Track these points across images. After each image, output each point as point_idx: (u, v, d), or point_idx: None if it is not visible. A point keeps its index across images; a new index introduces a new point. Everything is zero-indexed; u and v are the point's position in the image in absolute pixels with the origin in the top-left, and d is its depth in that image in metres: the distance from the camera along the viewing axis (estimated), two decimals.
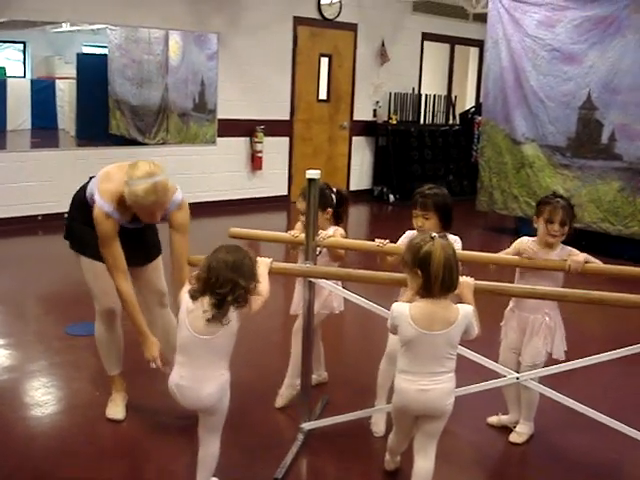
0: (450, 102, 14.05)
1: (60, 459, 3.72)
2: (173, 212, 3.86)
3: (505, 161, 9.73)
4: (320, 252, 3.98)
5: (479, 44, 13.57)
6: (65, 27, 10.94)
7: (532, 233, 3.99)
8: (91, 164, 9.11)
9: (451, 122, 13.94)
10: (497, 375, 3.63)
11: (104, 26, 10.91)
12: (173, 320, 4.04)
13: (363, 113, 12.54)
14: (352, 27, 12.03)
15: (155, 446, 3.88)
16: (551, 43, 9.05)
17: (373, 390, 4.14)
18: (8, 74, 13.49)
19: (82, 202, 3.93)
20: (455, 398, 3.17)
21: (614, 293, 3.37)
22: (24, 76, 13.81)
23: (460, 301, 3.13)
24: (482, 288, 3.29)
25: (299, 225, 4.10)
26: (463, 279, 3.19)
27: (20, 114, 12.86)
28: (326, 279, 3.69)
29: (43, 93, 13.23)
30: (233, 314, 3.09)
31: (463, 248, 3.85)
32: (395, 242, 3.98)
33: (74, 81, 12.01)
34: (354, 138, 12.54)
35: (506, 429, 4.16)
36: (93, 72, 12.06)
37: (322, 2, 11.48)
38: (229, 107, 10.73)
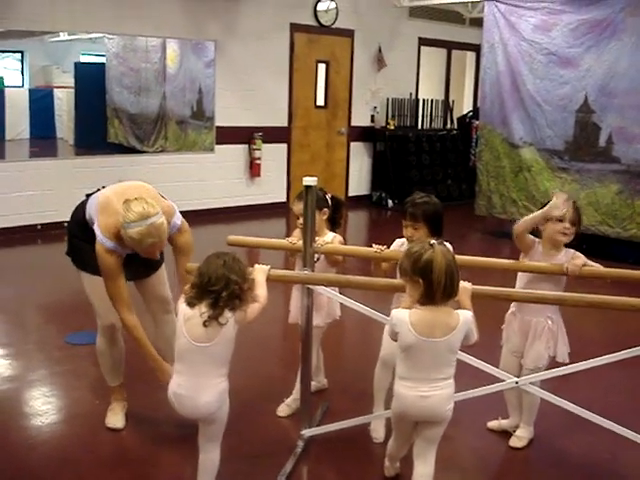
0: (447, 107, 14.06)
1: (60, 468, 3.71)
2: (174, 236, 3.87)
3: (503, 165, 9.75)
4: (318, 259, 3.99)
5: (476, 48, 13.61)
6: (63, 36, 10.98)
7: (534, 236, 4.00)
8: (90, 173, 9.15)
9: (449, 127, 13.95)
10: (497, 379, 3.64)
11: (101, 35, 10.93)
12: None
13: (361, 119, 12.55)
14: (349, 33, 12.05)
15: (155, 455, 3.88)
16: (547, 47, 9.08)
17: (372, 396, 4.14)
18: (6, 84, 13.51)
19: (81, 222, 3.92)
20: (455, 403, 3.17)
21: (613, 296, 3.37)
22: (22, 85, 13.84)
23: (458, 306, 3.13)
24: (480, 293, 3.30)
25: (297, 232, 4.11)
26: (461, 284, 3.19)
27: (18, 123, 12.89)
28: (325, 286, 3.69)
29: (41, 102, 13.26)
30: (229, 317, 3.09)
31: (462, 253, 3.85)
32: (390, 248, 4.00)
33: (72, 90, 12.05)
34: (352, 144, 12.55)
35: (506, 434, 4.16)
36: (91, 81, 12.09)
37: (318, 9, 11.50)
38: (227, 114, 10.73)
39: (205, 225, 9.66)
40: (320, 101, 12.06)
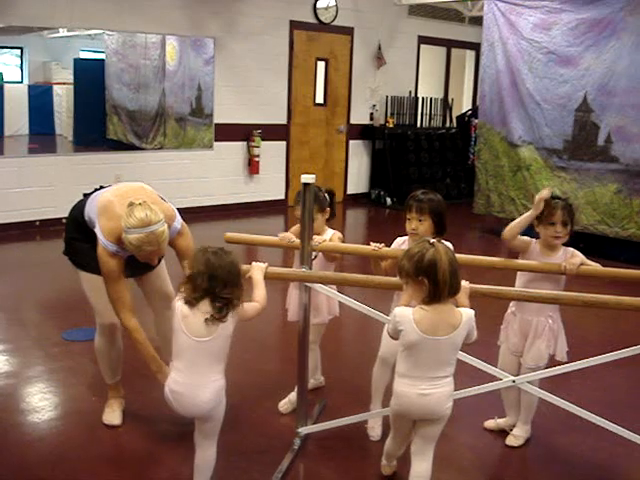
0: (447, 105, 14.07)
1: (56, 465, 3.71)
2: (174, 239, 3.86)
3: (502, 164, 9.75)
4: (316, 256, 3.98)
5: (475, 47, 13.62)
6: (62, 33, 10.93)
7: (529, 236, 4.00)
8: (88, 169, 9.16)
9: (448, 125, 13.96)
10: (494, 378, 3.64)
11: (101, 31, 10.91)
12: None
13: (360, 117, 12.56)
14: (348, 31, 12.05)
15: (152, 452, 3.87)
16: (547, 46, 9.07)
17: (370, 394, 4.14)
18: (5, 79, 13.48)
19: (79, 222, 3.91)
20: (455, 401, 3.17)
21: (609, 295, 3.37)
22: (21, 82, 13.79)
23: (456, 305, 3.13)
24: (477, 291, 3.30)
25: (294, 228, 4.10)
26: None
27: (17, 120, 12.84)
28: (322, 284, 3.69)
29: (40, 99, 13.21)
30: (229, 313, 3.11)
31: (460, 251, 3.85)
32: (390, 246, 4.00)
33: (71, 86, 12.01)
34: (351, 142, 12.55)
35: (503, 432, 4.16)
36: (90, 77, 12.05)
37: (318, 6, 11.50)
38: (226, 111, 10.73)
39: (204, 222, 9.66)
40: (319, 99, 12.06)
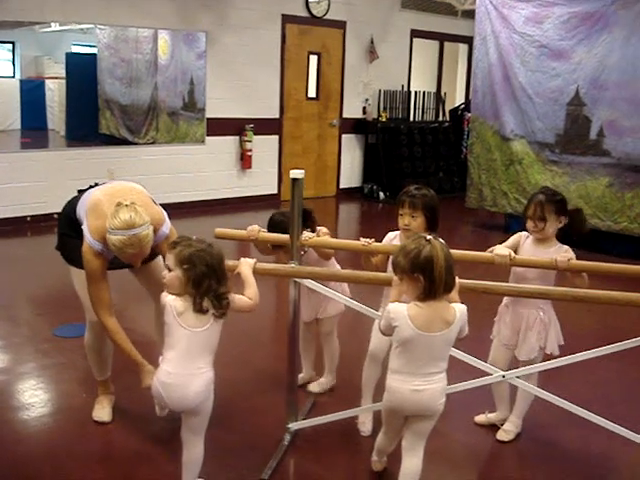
0: (440, 99, 14.07)
1: (46, 461, 3.71)
2: (162, 244, 3.82)
3: (494, 158, 9.75)
4: (305, 252, 3.98)
5: (468, 41, 13.61)
6: (54, 27, 10.90)
7: (522, 229, 4.01)
8: (81, 164, 9.14)
9: (441, 119, 13.96)
10: (485, 373, 3.64)
11: (93, 26, 10.88)
12: None
13: (352, 111, 12.55)
14: (341, 25, 12.03)
15: (141, 449, 3.86)
16: (539, 39, 9.07)
17: (360, 390, 4.13)
18: None
19: (71, 219, 3.90)
20: (445, 397, 3.17)
21: (599, 290, 3.37)
22: (13, 76, 13.75)
23: (448, 299, 3.12)
24: (467, 287, 3.29)
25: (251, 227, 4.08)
26: None
27: (9, 114, 12.81)
28: (312, 279, 3.68)
29: (33, 93, 13.17)
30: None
31: (453, 245, 3.84)
32: (381, 241, 3.99)
33: (64, 81, 11.98)
34: (344, 136, 12.55)
35: (494, 427, 4.16)
36: (82, 72, 12.02)
37: (310, 0, 11.46)
38: (218, 106, 10.72)
39: (196, 217, 9.66)
40: (312, 93, 12.05)
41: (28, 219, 9.00)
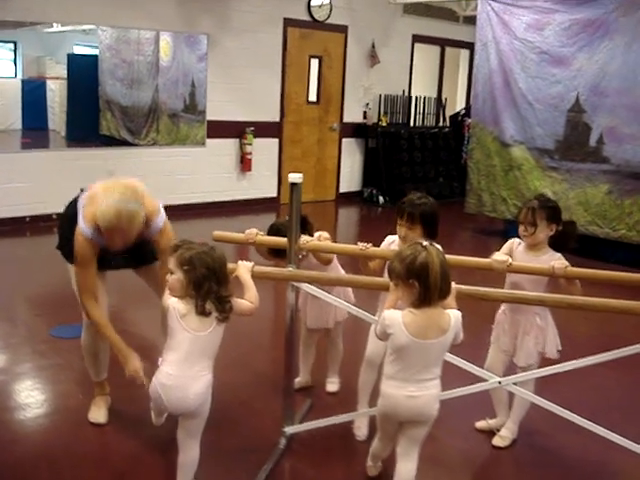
0: (440, 104, 14.06)
1: (41, 462, 3.71)
2: (156, 237, 3.85)
3: (494, 163, 9.76)
4: (303, 256, 3.98)
5: (469, 46, 13.57)
6: (56, 27, 10.92)
7: (514, 236, 4.02)
8: (81, 165, 9.14)
9: (441, 124, 13.95)
10: (483, 379, 3.64)
11: (94, 27, 10.89)
12: None
13: (353, 115, 12.54)
14: (342, 29, 12.03)
15: (136, 451, 3.86)
16: (540, 46, 9.08)
17: (356, 394, 4.14)
18: None
19: (73, 217, 3.90)
20: (440, 402, 3.17)
21: (596, 298, 3.37)
22: (15, 76, 13.76)
23: (444, 305, 3.12)
24: (463, 292, 3.29)
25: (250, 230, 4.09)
26: None
27: (11, 114, 12.82)
28: (309, 283, 3.68)
29: (34, 93, 13.19)
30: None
31: (451, 251, 3.85)
32: (379, 245, 3.99)
33: (65, 81, 11.99)
34: (344, 140, 12.54)
35: (492, 433, 4.16)
36: (84, 72, 12.04)
37: (312, 4, 11.48)
38: (218, 108, 10.72)
39: (195, 219, 9.66)
40: (312, 97, 12.04)
41: (27, 219, 8.99)
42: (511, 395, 4.04)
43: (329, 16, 11.72)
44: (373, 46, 12.40)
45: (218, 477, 3.60)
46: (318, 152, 12.25)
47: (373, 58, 12.45)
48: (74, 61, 12.38)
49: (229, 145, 10.98)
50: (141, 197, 3.71)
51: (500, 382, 3.64)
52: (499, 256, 3.76)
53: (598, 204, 8.64)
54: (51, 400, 4.47)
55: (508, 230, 9.34)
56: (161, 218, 3.88)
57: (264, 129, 11.18)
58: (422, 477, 3.25)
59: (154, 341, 4.40)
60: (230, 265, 3.37)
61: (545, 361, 3.92)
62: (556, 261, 3.70)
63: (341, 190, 12.62)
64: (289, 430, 3.88)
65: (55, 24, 10.53)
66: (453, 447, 4.11)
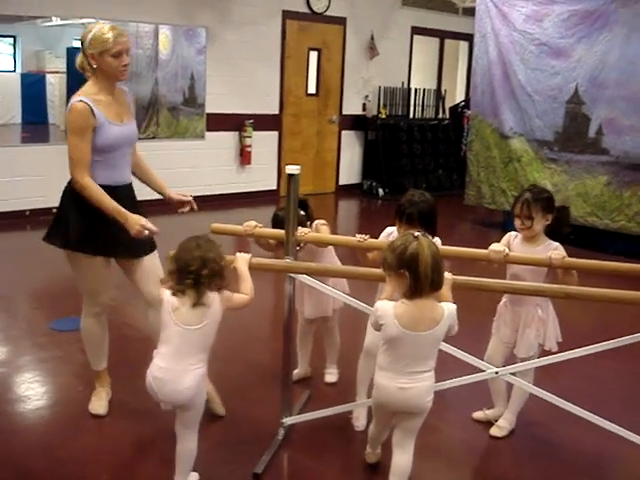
0: (440, 96, 14.06)
1: (42, 454, 3.72)
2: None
3: (493, 155, 9.76)
4: (301, 247, 3.99)
5: (469, 38, 13.53)
6: (55, 21, 10.89)
7: (511, 228, 4.03)
8: None
9: (441, 116, 13.96)
10: (480, 370, 3.65)
11: (93, 20, 10.88)
12: None
13: (352, 107, 12.55)
14: (341, 21, 12.03)
15: (136, 443, 3.87)
16: (539, 37, 9.08)
17: (355, 385, 4.15)
18: None
19: (70, 192, 3.88)
20: (440, 393, 3.18)
21: (593, 288, 3.38)
22: (14, 70, 13.75)
23: (439, 297, 3.13)
24: (459, 283, 3.30)
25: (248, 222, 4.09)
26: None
27: (10, 108, 12.81)
28: (307, 274, 3.69)
29: (33, 87, 13.18)
30: (215, 296, 3.13)
31: (451, 242, 3.86)
32: (378, 237, 4.00)
33: (64, 75, 11.97)
34: (343, 132, 12.55)
35: (490, 424, 4.16)
36: None
37: None
38: (218, 101, 10.73)
39: (195, 212, 9.63)
40: (312, 89, 12.05)
41: (27, 213, 9.01)
42: (509, 386, 4.05)
43: (328, 8, 11.72)
44: (372, 38, 12.40)
45: (217, 468, 3.60)
46: (317, 144, 12.26)
47: (372, 50, 12.44)
48: (73, 55, 12.22)
49: (229, 138, 10.99)
50: None
51: (497, 372, 3.65)
52: (496, 246, 3.77)
53: (597, 195, 8.64)
54: (51, 392, 4.49)
55: (507, 222, 9.30)
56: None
57: (263, 122, 11.18)
58: (420, 467, 3.27)
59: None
60: (228, 257, 3.38)
61: (544, 351, 3.94)
62: (553, 251, 3.71)
63: (341, 182, 12.63)
64: (287, 421, 3.90)
65: (54, 18, 10.51)
66: (451, 437, 4.13)
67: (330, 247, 4.37)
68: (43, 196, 8.81)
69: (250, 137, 11.03)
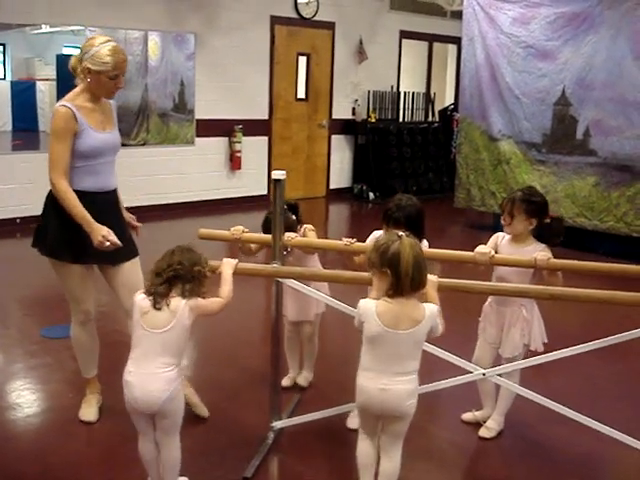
0: (429, 99, 14.10)
1: (32, 461, 3.73)
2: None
3: (482, 158, 9.80)
4: (289, 252, 4.00)
5: (457, 41, 13.56)
6: (45, 28, 10.91)
7: (499, 229, 4.06)
8: None
9: (430, 119, 13.99)
10: (468, 371, 3.67)
11: (82, 28, 10.89)
12: None
13: (342, 111, 12.58)
14: (330, 26, 12.07)
15: (126, 449, 3.85)
16: (526, 40, 9.13)
17: (345, 388, 4.14)
18: None
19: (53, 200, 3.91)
20: (429, 395, 3.19)
21: (576, 289, 3.40)
22: (4, 78, 13.77)
23: (425, 298, 3.15)
24: (445, 285, 3.32)
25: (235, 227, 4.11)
26: (427, 277, 3.20)
27: (1, 116, 12.84)
28: (293, 279, 3.71)
29: (24, 95, 13.20)
30: (180, 301, 3.11)
31: (441, 245, 3.88)
32: (366, 241, 4.02)
33: (54, 82, 11.99)
34: (333, 137, 12.58)
35: (480, 425, 4.18)
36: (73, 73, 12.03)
37: (299, 1, 11.52)
38: (207, 107, 10.75)
39: (185, 218, 9.69)
40: (301, 94, 12.08)
41: (18, 221, 9.00)
42: (498, 387, 4.07)
43: (316, 13, 11.75)
44: (361, 42, 12.44)
45: (206, 472, 3.61)
46: (308, 149, 12.29)
47: (361, 54, 12.48)
48: (63, 62, 12.26)
49: (218, 144, 11.01)
50: None
51: (484, 374, 3.67)
52: (482, 248, 3.79)
53: (585, 196, 8.69)
54: (42, 399, 4.49)
55: (497, 224, 9.33)
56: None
57: (253, 127, 11.21)
58: (410, 468, 3.28)
59: None
60: (214, 262, 3.40)
61: (531, 351, 3.96)
62: (539, 252, 3.73)
63: (331, 186, 12.66)
64: (277, 425, 3.91)
65: (44, 25, 10.53)
66: (441, 438, 4.15)
67: (316, 259, 4.41)
68: (34, 203, 8.76)
69: (240, 142, 11.05)
